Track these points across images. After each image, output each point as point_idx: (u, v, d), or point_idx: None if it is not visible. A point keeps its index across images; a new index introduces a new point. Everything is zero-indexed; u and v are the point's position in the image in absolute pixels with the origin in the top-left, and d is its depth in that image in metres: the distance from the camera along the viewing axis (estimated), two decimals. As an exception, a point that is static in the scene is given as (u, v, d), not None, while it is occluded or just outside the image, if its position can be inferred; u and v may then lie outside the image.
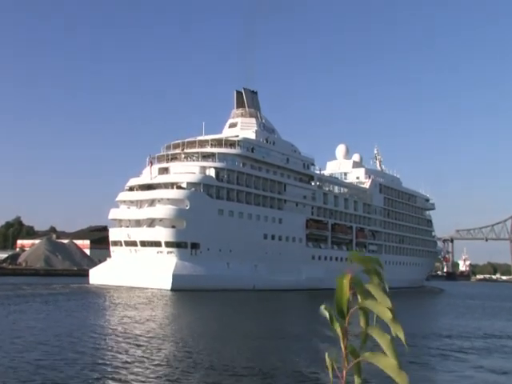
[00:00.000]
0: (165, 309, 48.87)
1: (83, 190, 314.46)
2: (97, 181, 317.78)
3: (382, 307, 1.82)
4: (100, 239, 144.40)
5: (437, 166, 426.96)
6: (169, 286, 70.18)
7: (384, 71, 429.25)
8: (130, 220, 79.33)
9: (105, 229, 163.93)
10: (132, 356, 22.66)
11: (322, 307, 1.86)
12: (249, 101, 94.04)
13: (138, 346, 25.35)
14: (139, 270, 72.96)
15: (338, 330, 1.83)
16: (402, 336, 1.80)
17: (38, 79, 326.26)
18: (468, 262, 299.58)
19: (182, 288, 68.08)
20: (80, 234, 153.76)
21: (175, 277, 70.81)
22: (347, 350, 1.83)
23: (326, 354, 1.86)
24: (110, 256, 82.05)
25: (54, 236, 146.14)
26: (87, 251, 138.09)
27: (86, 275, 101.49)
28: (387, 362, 1.76)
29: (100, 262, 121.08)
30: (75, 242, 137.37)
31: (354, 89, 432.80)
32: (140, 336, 28.39)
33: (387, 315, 1.81)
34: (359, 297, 1.86)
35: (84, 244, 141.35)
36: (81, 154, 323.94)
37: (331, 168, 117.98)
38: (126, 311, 42.35)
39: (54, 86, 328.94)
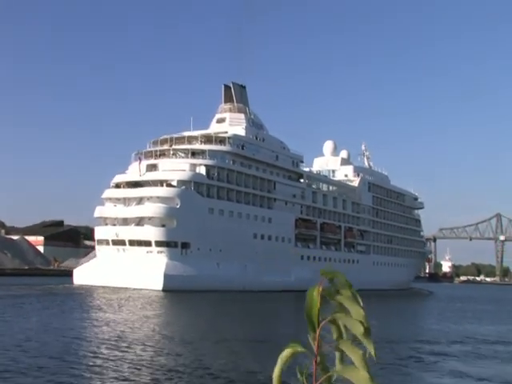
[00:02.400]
0: (155, 310, 50.95)
1: (36, 182, 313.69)
2: (52, 173, 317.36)
3: (354, 320, 1.85)
4: (55, 235, 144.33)
5: (422, 162, 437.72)
6: (160, 286, 73.24)
7: (374, 69, 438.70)
8: (116, 218, 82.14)
9: (60, 224, 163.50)
10: (103, 359, 23.77)
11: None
12: (237, 95, 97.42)
13: (117, 348, 26.72)
14: (128, 269, 75.58)
15: (311, 342, 1.87)
16: (372, 351, 1.85)
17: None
18: (451, 263, 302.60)
19: (173, 288, 71.16)
20: (32, 230, 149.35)
21: (167, 277, 73.97)
22: (318, 365, 1.87)
23: (297, 368, 1.87)
24: (65, 254, 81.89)
25: (3, 231, 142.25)
26: (41, 248, 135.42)
27: (40, 275, 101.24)
28: (359, 376, 1.79)
29: (55, 260, 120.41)
30: (27, 238, 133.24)
31: (341, 85, 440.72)
32: (130, 339, 29.87)
33: (359, 329, 1.84)
34: (335, 307, 1.89)
35: (37, 240, 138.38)
36: (42, 145, 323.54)
37: (318, 165, 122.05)
38: (118, 313, 44.64)
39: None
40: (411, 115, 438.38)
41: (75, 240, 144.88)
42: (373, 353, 1.84)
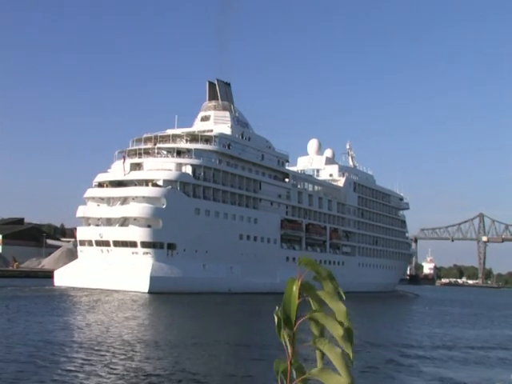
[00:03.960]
0: (139, 312, 52.37)
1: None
2: (12, 167, 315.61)
3: (333, 321, 1.85)
4: (15, 234, 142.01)
5: (403, 160, 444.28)
6: (146, 288, 74.93)
7: (358, 65, 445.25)
8: (99, 218, 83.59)
9: (20, 222, 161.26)
10: (77, 364, 24.67)
11: (276, 310, 1.88)
12: (222, 93, 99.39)
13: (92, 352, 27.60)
14: (112, 271, 76.99)
15: (285, 340, 1.86)
16: (350, 354, 1.84)
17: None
18: (433, 265, 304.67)
19: (159, 290, 73.12)
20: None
21: (153, 279, 75.73)
22: (293, 365, 1.87)
23: (274, 365, 1.87)
24: (26, 254, 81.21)
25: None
26: None
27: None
28: (336, 381, 1.79)
29: (15, 260, 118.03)
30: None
31: (326, 82, 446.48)
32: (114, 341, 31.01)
33: (338, 331, 1.84)
34: (312, 305, 1.89)
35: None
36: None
37: (303, 164, 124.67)
38: (102, 315, 46.05)
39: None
40: (393, 113, 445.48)
41: (37, 239, 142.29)
42: (351, 356, 1.85)
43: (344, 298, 1.90)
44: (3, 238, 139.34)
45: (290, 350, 1.86)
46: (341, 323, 1.85)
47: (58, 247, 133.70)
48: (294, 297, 1.86)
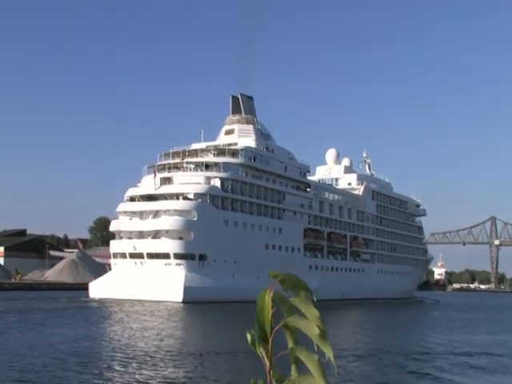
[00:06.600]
0: (181, 321, 56.94)
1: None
2: (13, 178, 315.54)
3: (308, 322, 1.91)
4: (17, 245, 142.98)
5: (412, 163, 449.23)
6: (180, 298, 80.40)
7: (377, 74, 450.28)
8: (131, 231, 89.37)
9: (22, 233, 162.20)
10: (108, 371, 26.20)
11: (247, 333, 1.97)
12: (245, 106, 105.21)
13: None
14: (147, 282, 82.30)
15: (262, 354, 1.92)
16: (330, 354, 1.89)
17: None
18: (443, 270, 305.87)
19: (192, 300, 78.53)
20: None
21: (187, 289, 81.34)
22: (273, 377, 1.94)
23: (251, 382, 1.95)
24: (29, 265, 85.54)
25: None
26: (1, 260, 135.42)
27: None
28: None
29: (17, 272, 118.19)
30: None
31: (338, 88, 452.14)
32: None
33: (314, 331, 1.91)
34: (285, 313, 1.96)
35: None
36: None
37: (321, 173, 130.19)
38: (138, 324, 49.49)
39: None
40: (401, 117, 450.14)
41: (40, 250, 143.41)
42: (331, 356, 1.92)
43: (315, 301, 2.03)
44: (5, 249, 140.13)
45: (267, 361, 1.98)
46: (316, 324, 1.96)
47: (61, 258, 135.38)
48: (267, 307, 2.00)
